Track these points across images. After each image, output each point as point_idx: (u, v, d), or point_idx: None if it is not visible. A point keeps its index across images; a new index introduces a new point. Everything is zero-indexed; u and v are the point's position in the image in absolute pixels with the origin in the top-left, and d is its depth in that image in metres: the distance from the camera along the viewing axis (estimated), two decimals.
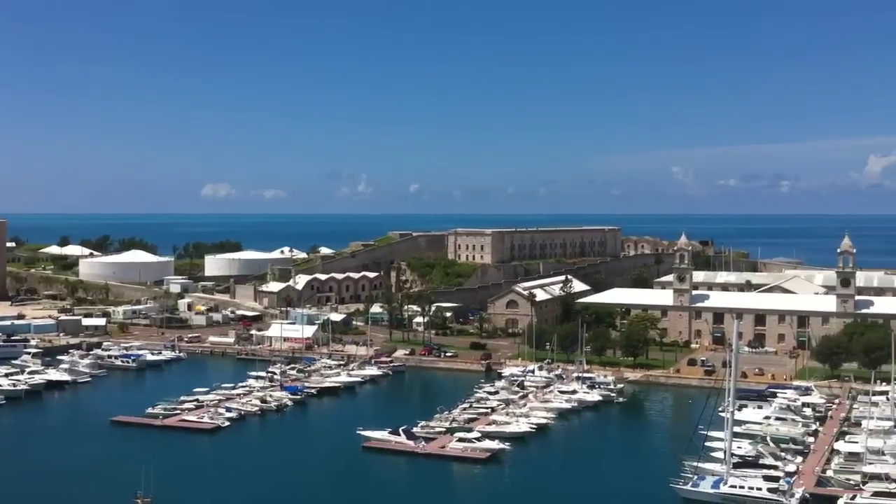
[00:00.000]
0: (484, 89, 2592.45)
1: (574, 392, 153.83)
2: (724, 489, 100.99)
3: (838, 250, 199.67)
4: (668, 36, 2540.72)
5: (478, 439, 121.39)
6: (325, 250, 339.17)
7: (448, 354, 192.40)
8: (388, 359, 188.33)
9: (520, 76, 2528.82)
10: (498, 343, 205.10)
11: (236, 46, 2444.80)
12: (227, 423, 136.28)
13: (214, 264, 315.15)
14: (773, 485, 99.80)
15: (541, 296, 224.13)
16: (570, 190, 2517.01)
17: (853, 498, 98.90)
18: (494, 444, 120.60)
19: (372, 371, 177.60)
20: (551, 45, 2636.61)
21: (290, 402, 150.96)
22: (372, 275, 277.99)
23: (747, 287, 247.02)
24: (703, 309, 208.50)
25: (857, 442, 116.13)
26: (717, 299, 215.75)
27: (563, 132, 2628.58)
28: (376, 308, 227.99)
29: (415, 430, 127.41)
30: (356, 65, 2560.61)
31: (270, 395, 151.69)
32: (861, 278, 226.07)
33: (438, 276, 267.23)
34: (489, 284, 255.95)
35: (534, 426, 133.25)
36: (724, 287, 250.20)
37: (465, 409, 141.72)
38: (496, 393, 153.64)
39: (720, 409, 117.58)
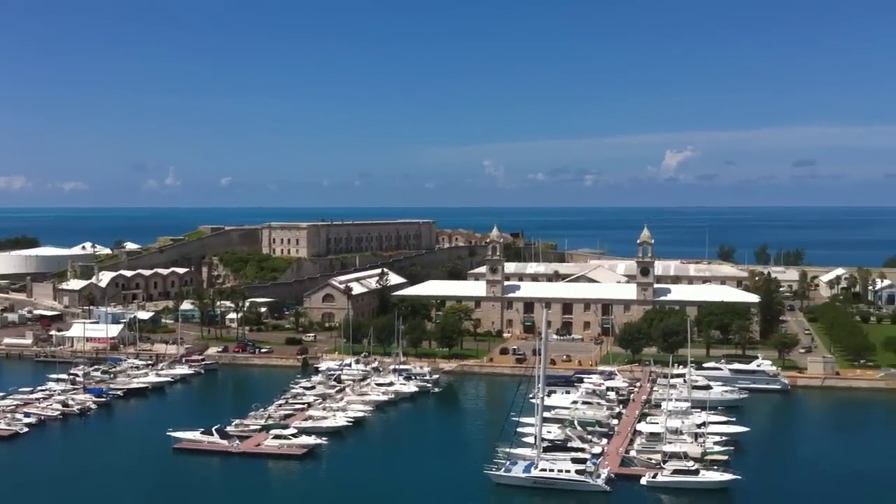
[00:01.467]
0: (298, 83, 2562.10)
1: (391, 384, 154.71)
2: (534, 473, 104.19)
3: (638, 241, 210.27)
4: (475, 31, 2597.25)
5: (294, 435, 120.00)
6: (131, 245, 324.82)
7: (263, 351, 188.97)
8: (200, 357, 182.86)
9: (332, 71, 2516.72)
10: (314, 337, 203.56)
11: (23, 22, 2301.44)
12: (25, 430, 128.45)
13: (9, 261, 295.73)
14: (581, 466, 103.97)
15: (357, 289, 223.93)
16: (385, 183, 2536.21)
17: (654, 476, 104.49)
18: (311, 440, 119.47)
19: (183, 370, 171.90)
20: (365, 45, 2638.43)
21: (94, 406, 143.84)
22: (182, 270, 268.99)
23: (555, 277, 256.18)
24: (514, 299, 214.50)
25: (657, 423, 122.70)
26: (528, 289, 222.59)
27: (378, 126, 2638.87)
28: (187, 305, 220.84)
29: (228, 428, 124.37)
30: (160, 54, 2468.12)
31: (73, 399, 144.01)
32: (659, 267, 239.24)
33: (252, 270, 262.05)
34: (305, 278, 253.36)
35: (351, 420, 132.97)
36: (534, 277, 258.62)
37: (280, 405, 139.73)
38: (313, 388, 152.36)
39: (531, 395, 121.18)
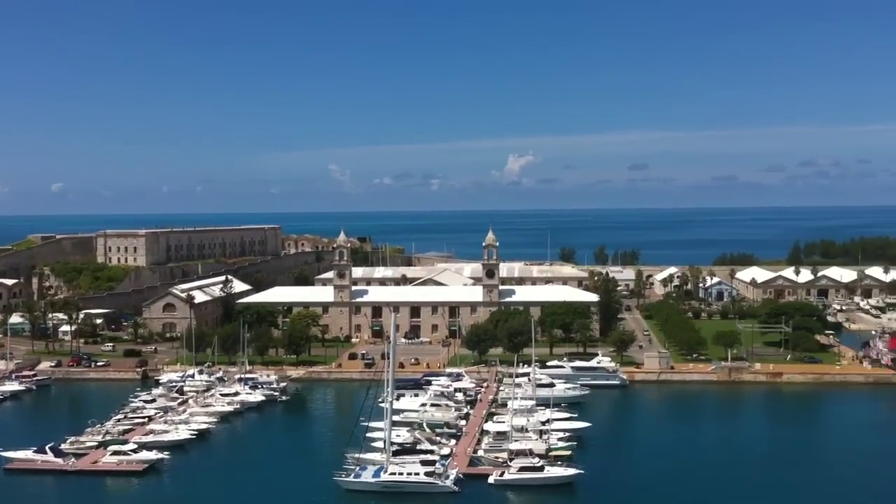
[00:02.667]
0: (131, 86, 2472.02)
1: (236, 394, 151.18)
2: (384, 477, 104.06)
3: (483, 244, 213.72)
4: (318, 35, 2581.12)
5: (133, 451, 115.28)
6: None
7: (99, 364, 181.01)
8: (32, 372, 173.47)
9: (168, 74, 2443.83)
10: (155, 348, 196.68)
11: None
12: None
13: None
14: (430, 468, 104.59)
15: (200, 297, 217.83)
16: (228, 188, 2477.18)
17: (502, 474, 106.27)
18: (152, 455, 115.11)
19: (12, 386, 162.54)
20: (200, 48, 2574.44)
21: None
22: (10, 282, 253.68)
23: (403, 281, 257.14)
24: (362, 304, 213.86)
25: (503, 422, 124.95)
26: (376, 294, 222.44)
27: (219, 130, 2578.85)
28: (16, 318, 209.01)
29: (63, 446, 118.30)
30: None
31: None
32: (504, 269, 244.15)
33: (87, 281, 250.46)
34: (144, 288, 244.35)
35: (194, 432, 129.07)
36: (382, 282, 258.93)
37: (119, 420, 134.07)
38: (153, 401, 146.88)
39: (380, 399, 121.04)
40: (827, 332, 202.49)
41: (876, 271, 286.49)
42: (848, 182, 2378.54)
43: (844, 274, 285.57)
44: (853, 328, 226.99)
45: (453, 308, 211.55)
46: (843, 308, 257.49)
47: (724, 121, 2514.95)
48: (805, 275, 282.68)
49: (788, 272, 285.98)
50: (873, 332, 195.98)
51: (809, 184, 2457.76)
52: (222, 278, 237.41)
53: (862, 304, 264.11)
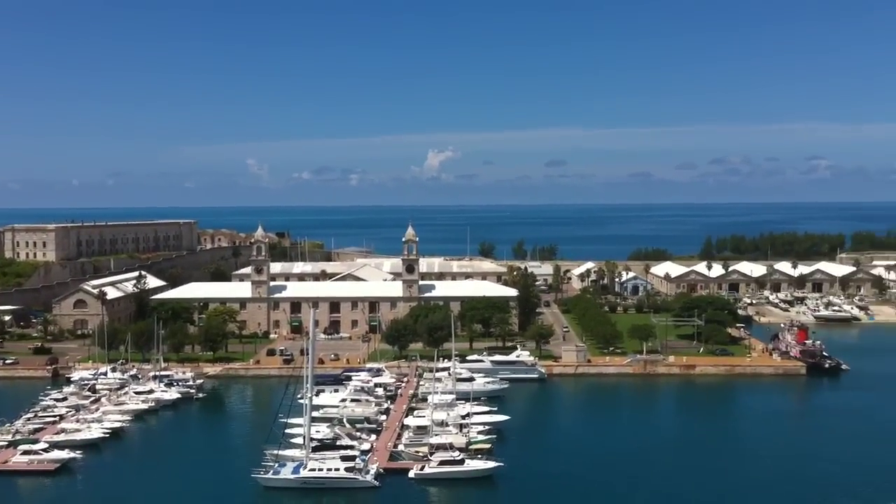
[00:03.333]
0: (45, 78, 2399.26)
1: (151, 392, 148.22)
2: (303, 473, 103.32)
3: (403, 239, 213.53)
4: (230, 31, 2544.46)
5: (45, 450, 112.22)
6: None
7: (8, 362, 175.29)
8: None
9: (79, 68, 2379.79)
10: (66, 346, 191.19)
11: None
12: None
13: None
14: (350, 464, 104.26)
15: (112, 294, 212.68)
16: (141, 182, 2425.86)
17: (422, 468, 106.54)
18: (64, 454, 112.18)
19: None
20: (115, 42, 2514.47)
21: None
22: None
23: (322, 276, 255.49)
24: (281, 299, 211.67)
25: (423, 416, 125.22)
26: (295, 289, 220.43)
27: (131, 122, 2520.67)
28: None
29: None
30: None
31: None
32: (424, 265, 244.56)
33: None
34: (54, 284, 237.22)
35: (107, 431, 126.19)
36: (301, 277, 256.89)
37: (29, 419, 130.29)
38: (64, 399, 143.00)
39: (299, 396, 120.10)
40: (738, 325, 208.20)
41: (784, 266, 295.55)
42: (757, 179, 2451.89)
43: (754, 269, 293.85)
44: (763, 321, 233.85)
45: (373, 303, 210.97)
46: (754, 302, 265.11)
47: (639, 119, 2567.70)
48: (717, 269, 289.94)
49: (701, 267, 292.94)
50: (782, 325, 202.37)
51: (721, 181, 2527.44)
52: (136, 274, 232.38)
53: (771, 297, 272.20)
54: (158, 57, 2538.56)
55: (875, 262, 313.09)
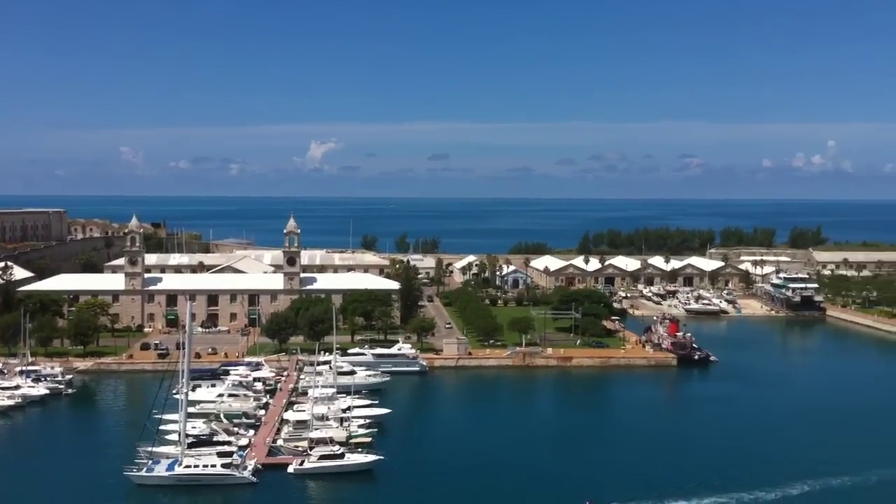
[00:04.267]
0: None
1: (17, 387, 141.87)
2: (178, 470, 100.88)
3: (285, 231, 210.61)
4: (99, 16, 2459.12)
5: None
6: None
7: None
8: None
9: None
10: None
11: None
12: None
13: None
14: (227, 460, 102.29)
15: None
16: (6, 169, 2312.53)
17: (301, 463, 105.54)
18: None
19: None
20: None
21: None
22: None
23: (200, 268, 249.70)
24: (156, 292, 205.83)
25: (304, 410, 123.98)
26: (171, 282, 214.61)
27: None
28: None
29: None
30: None
31: None
32: (305, 257, 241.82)
33: None
34: None
35: None
36: (178, 269, 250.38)
37: None
38: None
39: (174, 391, 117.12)
40: (613, 317, 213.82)
41: (658, 260, 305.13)
42: (633, 176, 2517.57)
43: (629, 263, 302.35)
44: (637, 314, 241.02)
45: (253, 296, 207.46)
46: (628, 295, 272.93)
47: (520, 114, 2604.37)
48: (594, 263, 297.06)
49: (579, 261, 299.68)
50: (655, 318, 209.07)
51: (599, 177, 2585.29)
52: (1, 264, 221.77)
53: (645, 291, 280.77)
54: (24, 37, 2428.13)
55: (742, 258, 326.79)
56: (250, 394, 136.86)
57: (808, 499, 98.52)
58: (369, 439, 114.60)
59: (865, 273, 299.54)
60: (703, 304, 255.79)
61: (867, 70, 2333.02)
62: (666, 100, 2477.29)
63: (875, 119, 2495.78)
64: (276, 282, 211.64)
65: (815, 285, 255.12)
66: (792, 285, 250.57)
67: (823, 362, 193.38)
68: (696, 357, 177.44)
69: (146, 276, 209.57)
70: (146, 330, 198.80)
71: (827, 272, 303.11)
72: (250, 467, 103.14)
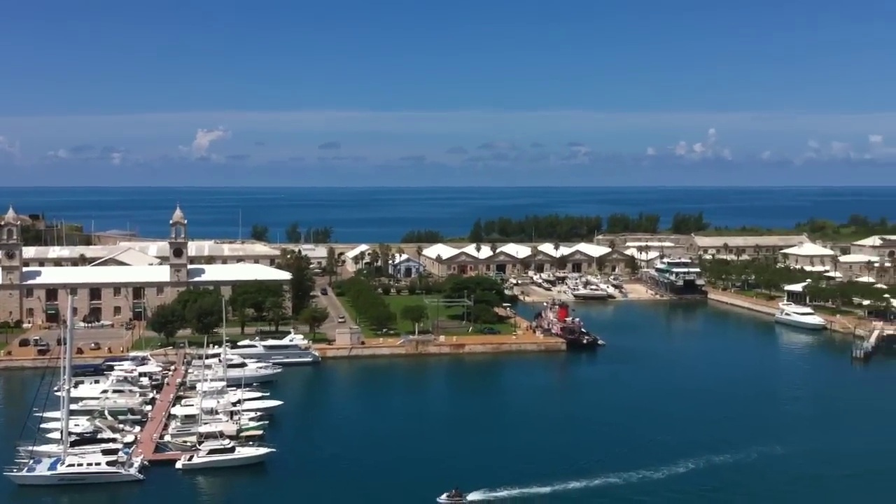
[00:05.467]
0: None
1: None
2: (61, 469, 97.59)
3: (171, 221, 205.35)
4: None
5: None
6: None
7: None
8: None
9: None
10: None
11: None
12: None
13: None
14: (112, 457, 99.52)
15: None
16: None
17: (190, 458, 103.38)
18: None
19: None
20: None
21: None
22: None
23: (82, 261, 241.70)
24: (34, 286, 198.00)
25: (192, 405, 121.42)
26: (50, 275, 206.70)
27: None
28: None
29: None
30: None
31: None
32: (193, 248, 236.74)
33: None
34: None
35: None
36: (58, 262, 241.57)
37: None
38: None
39: (56, 388, 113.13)
40: (504, 304, 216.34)
41: (547, 247, 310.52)
42: (523, 164, 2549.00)
43: (520, 250, 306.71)
44: (528, 300, 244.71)
45: (138, 289, 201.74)
46: (519, 282, 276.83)
47: (412, 102, 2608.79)
48: (485, 251, 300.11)
49: (470, 249, 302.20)
50: (545, 304, 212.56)
51: (489, 165, 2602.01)
52: None
53: (535, 277, 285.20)
54: None
55: (628, 244, 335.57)
56: (136, 389, 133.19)
57: (693, 476, 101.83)
58: (260, 432, 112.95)
59: (744, 257, 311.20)
60: (591, 289, 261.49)
61: (744, 61, 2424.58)
62: (554, 89, 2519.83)
63: (752, 108, 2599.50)
64: (163, 274, 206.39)
65: (697, 269, 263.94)
66: (675, 270, 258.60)
67: (705, 344, 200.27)
68: (585, 341, 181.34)
69: (24, 269, 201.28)
70: (25, 325, 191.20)
71: (708, 257, 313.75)
72: (137, 464, 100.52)
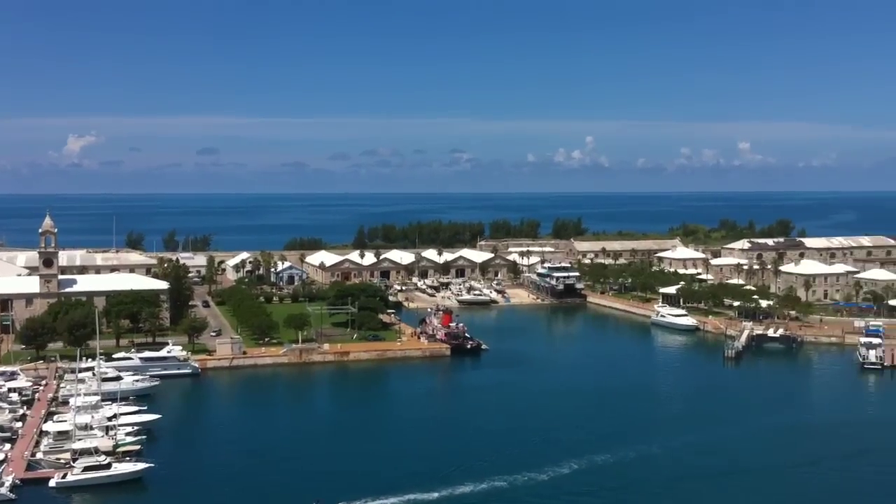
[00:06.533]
0: None
1: None
2: None
3: (40, 230, 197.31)
4: None
5: None
6: None
7: None
8: None
9: None
10: None
11: None
12: None
13: None
14: None
15: None
16: None
17: (64, 476, 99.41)
18: None
19: None
20: None
21: None
22: None
23: None
24: None
25: (65, 420, 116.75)
26: None
27: None
28: None
29: None
30: None
31: None
32: (64, 258, 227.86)
33: None
34: None
35: None
36: None
37: None
38: None
39: None
40: (389, 311, 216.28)
41: (431, 253, 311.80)
42: (406, 171, 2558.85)
43: (404, 256, 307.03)
44: (412, 306, 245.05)
45: (5, 301, 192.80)
46: (403, 288, 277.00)
47: (292, 109, 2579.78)
48: (369, 258, 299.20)
49: (354, 255, 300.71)
50: (429, 310, 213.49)
51: (372, 172, 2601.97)
52: None
53: (419, 284, 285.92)
54: None
55: (510, 249, 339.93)
56: (4, 405, 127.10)
57: (577, 476, 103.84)
58: (138, 447, 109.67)
59: (621, 261, 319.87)
60: (475, 294, 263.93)
61: (619, 72, 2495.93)
62: (436, 96, 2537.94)
63: (627, 117, 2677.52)
64: (31, 285, 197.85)
65: (577, 274, 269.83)
66: (555, 274, 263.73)
67: (585, 346, 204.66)
68: (469, 346, 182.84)
69: None
70: None
71: (587, 261, 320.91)
72: (7, 483, 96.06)
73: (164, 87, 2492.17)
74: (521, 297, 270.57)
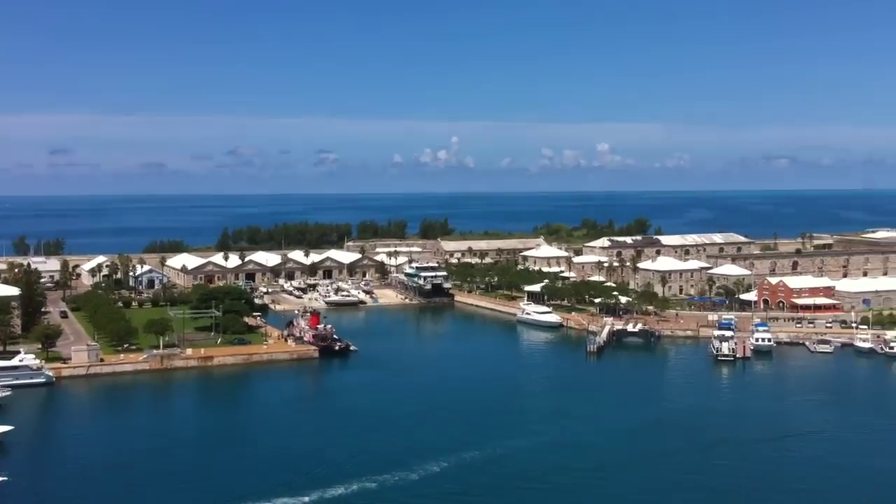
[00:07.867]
0: None
1: None
2: None
3: None
4: None
5: None
6: None
7: None
8: None
9: None
10: None
11: None
12: None
13: None
14: None
15: None
16: None
17: None
18: None
19: None
20: None
21: None
22: None
23: None
24: None
25: None
26: None
27: None
28: None
29: None
30: None
31: None
32: None
33: None
34: None
35: None
36: None
37: None
38: None
39: None
40: (255, 313, 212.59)
41: (298, 255, 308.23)
42: (271, 171, 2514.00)
43: (270, 258, 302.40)
44: (279, 309, 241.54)
45: None
46: (270, 290, 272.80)
47: (148, 106, 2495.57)
48: (234, 260, 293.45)
49: (218, 258, 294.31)
50: (296, 312, 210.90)
51: (236, 172, 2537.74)
52: None
53: (286, 285, 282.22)
54: None
55: (378, 249, 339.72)
56: None
57: (446, 473, 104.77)
58: None
59: (488, 260, 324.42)
60: (343, 295, 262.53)
61: (479, 71, 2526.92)
62: (301, 96, 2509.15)
63: (492, 118, 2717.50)
64: None
65: (444, 273, 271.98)
66: (423, 274, 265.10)
67: (453, 345, 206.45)
68: (337, 348, 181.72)
69: None
70: None
71: (454, 260, 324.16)
72: None
73: (10, 85, 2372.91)
74: (389, 297, 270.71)
